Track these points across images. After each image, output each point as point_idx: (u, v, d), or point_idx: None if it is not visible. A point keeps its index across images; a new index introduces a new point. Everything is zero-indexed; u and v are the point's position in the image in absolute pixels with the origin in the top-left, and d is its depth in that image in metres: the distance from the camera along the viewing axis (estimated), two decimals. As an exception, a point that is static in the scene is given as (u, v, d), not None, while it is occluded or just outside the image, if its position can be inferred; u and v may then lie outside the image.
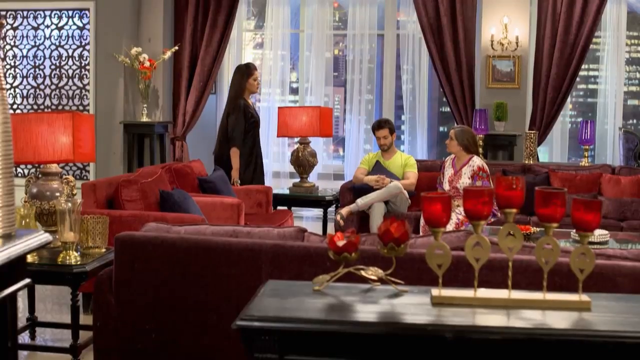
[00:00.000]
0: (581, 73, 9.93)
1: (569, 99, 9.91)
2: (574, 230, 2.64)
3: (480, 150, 8.99)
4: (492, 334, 2.45)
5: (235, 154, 8.06)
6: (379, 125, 8.25)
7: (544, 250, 2.65)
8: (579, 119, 10.23)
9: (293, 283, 2.97)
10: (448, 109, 10.07)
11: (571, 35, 9.35)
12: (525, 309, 2.61)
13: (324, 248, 3.54)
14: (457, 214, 7.30)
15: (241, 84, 8.19)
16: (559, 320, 2.52)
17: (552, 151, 10.22)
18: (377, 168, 8.14)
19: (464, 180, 7.54)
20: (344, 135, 10.84)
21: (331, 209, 8.57)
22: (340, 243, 2.81)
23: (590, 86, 10.78)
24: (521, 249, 2.78)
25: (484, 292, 2.69)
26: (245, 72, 8.24)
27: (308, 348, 2.53)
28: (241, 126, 8.06)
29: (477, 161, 7.59)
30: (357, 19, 10.48)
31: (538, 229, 6.19)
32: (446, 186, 7.68)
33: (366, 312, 2.60)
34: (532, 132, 9.04)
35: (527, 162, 8.84)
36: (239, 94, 8.17)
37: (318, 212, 9.66)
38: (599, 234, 6.02)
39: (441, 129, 11.23)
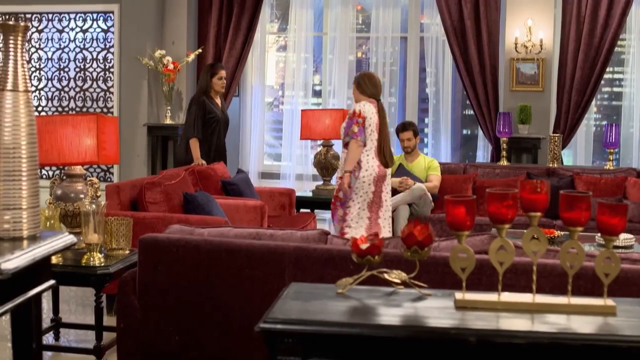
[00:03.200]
0: (606, 76, 9.86)
1: (593, 102, 9.84)
2: (599, 234, 2.62)
3: (504, 153, 8.97)
4: (516, 338, 2.44)
5: (193, 144, 8.03)
6: (403, 127, 8.25)
7: (569, 254, 2.63)
8: (604, 122, 10.16)
9: (316, 286, 2.96)
10: (471, 112, 10.03)
11: (596, 37, 9.30)
12: (550, 313, 2.59)
13: (347, 251, 3.54)
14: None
15: (206, 82, 8.22)
16: (583, 325, 2.50)
17: (576, 154, 10.16)
18: (401, 171, 8.13)
19: (344, 125, 6.90)
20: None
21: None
22: (364, 246, 2.81)
23: (615, 89, 10.71)
24: (545, 252, 2.76)
25: (507, 296, 2.68)
26: (209, 71, 8.27)
27: (331, 351, 2.53)
28: (192, 117, 8.05)
29: (359, 104, 6.76)
30: (380, 22, 10.47)
31: (562, 233, 6.17)
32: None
33: (389, 315, 2.59)
34: (557, 135, 8.98)
35: (551, 165, 8.79)
36: (203, 92, 8.20)
37: (341, 215, 9.64)
38: (624, 238, 5.98)
39: (465, 131, 11.19)
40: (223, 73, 8.28)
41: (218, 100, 8.30)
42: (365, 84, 6.84)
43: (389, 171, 6.90)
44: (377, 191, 6.77)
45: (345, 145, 6.76)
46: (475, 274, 3.05)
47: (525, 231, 2.66)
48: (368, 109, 6.74)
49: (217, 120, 8.21)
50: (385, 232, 6.80)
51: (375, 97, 6.86)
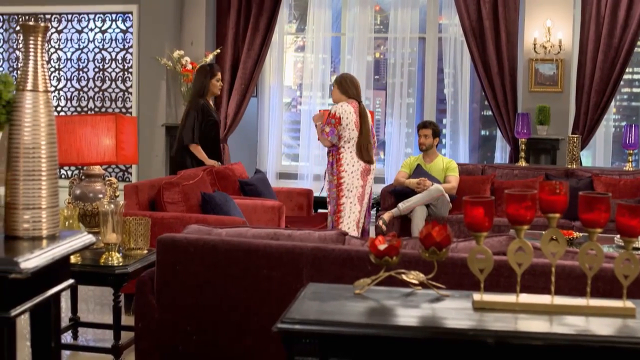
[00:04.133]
0: (625, 76, 9.82)
1: (612, 103, 9.80)
2: (618, 236, 2.61)
3: (522, 154, 8.94)
4: (534, 339, 2.43)
5: (196, 149, 7.79)
6: (423, 124, 8.31)
7: (588, 255, 2.62)
8: (623, 123, 10.11)
9: (334, 286, 2.96)
10: (490, 113, 10.01)
11: (615, 38, 9.25)
12: (568, 315, 2.58)
13: (365, 251, 3.54)
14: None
15: (203, 84, 7.93)
16: (602, 327, 2.49)
17: (595, 155, 10.11)
18: (419, 171, 8.13)
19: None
20: (385, 138, 10.82)
21: (372, 212, 8.56)
22: (382, 247, 2.81)
23: (635, 90, 10.66)
24: (564, 254, 2.75)
25: (526, 298, 2.67)
26: (208, 72, 8.01)
27: (349, 351, 2.53)
28: (192, 122, 7.76)
29: (337, 106, 7.29)
30: (398, 22, 10.46)
31: (581, 234, 6.14)
32: None
33: (407, 316, 2.59)
34: (575, 136, 8.95)
35: (570, 166, 8.76)
36: (200, 94, 7.93)
37: (358, 215, 9.63)
38: (644, 239, 5.94)
39: (483, 132, 11.16)
40: (220, 75, 8.15)
41: (211, 102, 8.20)
42: (348, 86, 7.35)
43: (372, 167, 7.38)
44: (363, 184, 7.29)
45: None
46: (494, 275, 3.04)
47: (543, 232, 2.65)
48: (346, 109, 7.24)
49: (216, 122, 8.09)
50: (363, 223, 7.39)
51: (357, 98, 7.35)
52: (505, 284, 3.27)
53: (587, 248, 2.62)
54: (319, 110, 7.96)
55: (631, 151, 8.87)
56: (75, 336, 5.59)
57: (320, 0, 10.61)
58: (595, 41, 9.31)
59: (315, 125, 7.50)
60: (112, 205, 4.65)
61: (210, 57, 9.86)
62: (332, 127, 7.22)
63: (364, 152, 7.31)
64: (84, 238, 2.80)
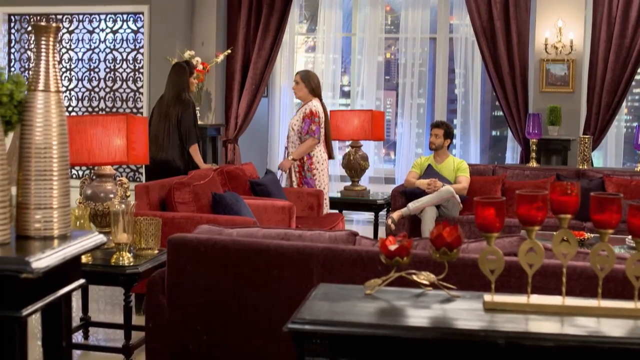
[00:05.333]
0: (637, 77, 9.79)
1: (624, 103, 9.77)
2: (630, 237, 2.59)
3: (533, 155, 8.92)
4: (545, 341, 2.42)
5: (195, 151, 7.62)
6: (436, 124, 8.31)
7: (599, 256, 2.62)
8: (634, 124, 10.07)
9: (344, 286, 2.96)
10: (501, 113, 9.99)
11: (627, 38, 9.22)
12: (579, 316, 2.58)
13: (375, 252, 3.53)
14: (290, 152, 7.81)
15: (185, 82, 7.68)
16: (613, 328, 2.48)
17: (606, 156, 10.09)
18: (429, 172, 8.12)
19: (296, 121, 7.76)
20: (396, 139, 10.81)
21: (382, 212, 8.56)
22: (392, 247, 2.81)
23: (646, 90, 10.63)
24: (575, 255, 2.74)
25: (537, 299, 2.67)
26: (187, 70, 7.76)
27: (359, 352, 2.53)
28: (190, 124, 7.57)
29: (312, 105, 7.68)
30: (409, 23, 10.46)
31: (592, 235, 6.12)
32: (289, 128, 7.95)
33: (418, 316, 2.59)
34: (587, 136, 8.92)
35: (581, 167, 8.73)
36: (185, 90, 7.67)
37: (369, 215, 9.65)
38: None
39: (494, 133, 11.15)
40: (195, 72, 8.02)
41: None
42: (315, 84, 7.79)
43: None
44: (327, 181, 7.96)
45: (300, 139, 7.73)
46: (504, 276, 3.04)
47: (555, 233, 2.64)
48: (318, 107, 7.71)
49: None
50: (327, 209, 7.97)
51: (320, 96, 7.88)
52: (516, 285, 3.27)
53: (598, 249, 2.61)
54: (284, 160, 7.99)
55: (643, 152, 8.84)
56: (86, 336, 5.60)
57: (331, 1, 10.62)
58: (607, 41, 9.28)
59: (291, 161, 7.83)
60: (123, 205, 4.66)
61: (220, 58, 9.87)
62: (317, 126, 7.63)
63: (330, 148, 7.92)
64: (95, 238, 2.81)
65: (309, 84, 7.73)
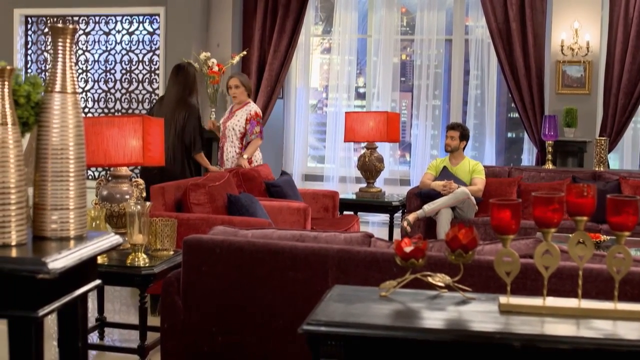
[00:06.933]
0: (654, 79, 9.73)
1: (640, 105, 9.72)
2: (647, 239, 2.58)
3: (549, 157, 8.89)
4: (561, 343, 2.41)
5: (202, 158, 7.64)
6: (451, 126, 8.29)
7: (616, 259, 2.61)
8: (651, 126, 10.04)
9: (359, 288, 2.96)
10: (517, 115, 9.96)
11: (644, 40, 9.19)
12: (596, 318, 2.57)
13: (390, 254, 3.53)
14: (234, 153, 8.02)
15: (193, 83, 7.59)
16: (630, 331, 2.47)
17: (622, 158, 10.04)
18: (445, 174, 8.10)
19: (237, 122, 7.98)
20: (411, 140, 10.80)
21: (398, 214, 8.54)
22: (408, 249, 2.80)
23: (663, 92, 10.55)
24: (591, 257, 2.74)
25: (553, 301, 2.66)
26: (191, 71, 7.67)
27: (374, 353, 2.52)
28: (197, 131, 7.51)
29: (253, 106, 8.11)
30: (424, 24, 10.44)
31: (609, 237, 6.10)
32: (223, 127, 8.16)
33: (433, 318, 2.59)
34: (603, 138, 8.89)
35: (597, 169, 8.70)
36: (190, 94, 7.58)
37: (384, 217, 9.63)
38: (672, 243, 5.90)
39: (509, 134, 11.11)
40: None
41: None
42: (250, 88, 8.22)
43: None
44: None
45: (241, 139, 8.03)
46: (520, 278, 3.03)
47: (571, 235, 2.63)
48: (257, 108, 8.18)
49: None
50: None
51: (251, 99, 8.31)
52: (532, 287, 3.26)
53: (615, 251, 2.60)
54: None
55: (659, 154, 8.80)
56: (101, 336, 5.62)
57: (346, 2, 10.61)
58: (624, 43, 9.24)
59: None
60: (139, 207, 4.67)
61: (236, 59, 9.88)
62: (261, 126, 8.08)
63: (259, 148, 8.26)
64: (111, 239, 2.81)
65: (248, 86, 8.10)
